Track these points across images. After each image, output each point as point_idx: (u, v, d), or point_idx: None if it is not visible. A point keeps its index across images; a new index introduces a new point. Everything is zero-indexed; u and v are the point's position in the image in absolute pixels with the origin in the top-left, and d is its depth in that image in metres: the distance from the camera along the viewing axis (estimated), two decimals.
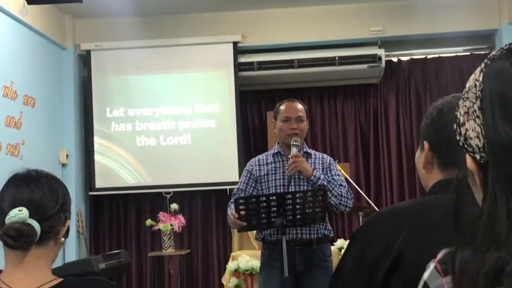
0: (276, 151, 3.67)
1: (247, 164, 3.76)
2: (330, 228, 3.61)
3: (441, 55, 6.60)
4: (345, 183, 3.60)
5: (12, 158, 5.03)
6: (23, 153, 5.18)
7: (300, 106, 3.68)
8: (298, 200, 3.22)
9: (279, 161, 3.62)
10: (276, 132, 3.73)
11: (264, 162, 3.65)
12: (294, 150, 3.48)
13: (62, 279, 1.54)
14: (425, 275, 0.87)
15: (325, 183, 3.48)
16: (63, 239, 1.62)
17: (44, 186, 1.58)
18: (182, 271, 6.03)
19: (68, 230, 1.63)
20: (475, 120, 0.82)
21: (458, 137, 0.86)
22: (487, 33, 6.32)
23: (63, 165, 6.04)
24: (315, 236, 3.51)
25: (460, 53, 6.60)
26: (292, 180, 3.51)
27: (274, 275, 3.46)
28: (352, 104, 6.60)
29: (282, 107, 3.67)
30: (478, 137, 0.81)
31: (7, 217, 1.51)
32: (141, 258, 6.41)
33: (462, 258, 0.81)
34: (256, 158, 3.72)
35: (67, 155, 6.06)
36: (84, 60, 6.40)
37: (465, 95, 0.86)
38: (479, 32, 6.31)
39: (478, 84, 0.82)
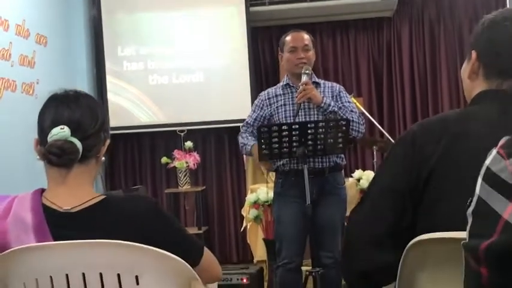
0: (285, 83, 3.69)
1: (257, 97, 3.77)
2: (342, 156, 3.63)
3: None
4: (355, 110, 3.62)
5: (28, 96, 5.04)
6: (38, 92, 5.18)
7: (305, 35, 3.68)
8: (320, 130, 3.23)
9: (288, 92, 3.64)
10: (283, 64, 3.73)
11: (274, 95, 3.67)
12: (304, 78, 3.49)
13: (105, 195, 1.57)
14: (487, 161, 0.90)
15: (336, 109, 3.49)
16: (103, 158, 1.65)
17: (83, 105, 1.60)
18: (198, 207, 6.11)
19: (108, 150, 1.65)
20: None
21: None
22: None
23: None
24: (327, 164, 3.54)
25: None
26: (302, 110, 3.53)
27: (288, 204, 3.52)
28: (364, 38, 6.52)
29: (288, 38, 3.67)
30: None
31: (49, 135, 1.53)
32: (157, 196, 6.49)
33: None
34: (266, 92, 3.74)
35: None
36: None
37: None
38: None
39: None
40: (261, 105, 3.67)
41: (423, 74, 6.42)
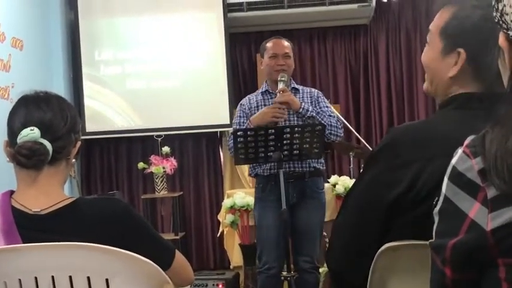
0: (264, 89, 3.74)
1: (239, 105, 3.81)
2: (323, 161, 3.69)
3: None
4: (334, 114, 3.67)
5: (2, 101, 4.98)
6: (13, 96, 5.11)
7: (286, 43, 3.75)
8: (296, 135, 3.26)
9: (268, 99, 3.70)
10: (263, 69, 3.78)
11: (254, 100, 3.71)
12: (281, 85, 3.54)
13: (75, 198, 1.55)
14: (453, 160, 0.90)
15: (314, 114, 3.53)
16: (74, 160, 1.64)
17: (54, 106, 1.59)
18: (175, 213, 6.08)
19: (78, 152, 1.64)
20: None
21: (494, 13, 0.88)
22: None
23: None
24: (308, 169, 3.58)
25: None
26: None
27: (269, 209, 3.54)
28: (342, 45, 6.56)
29: (269, 44, 3.74)
30: None
31: (19, 137, 1.52)
32: (133, 201, 6.44)
33: (491, 136, 0.83)
34: (247, 98, 3.79)
35: None
36: (71, 2, 6.27)
37: None
38: None
39: None
40: (244, 110, 3.70)
41: (399, 81, 6.47)
